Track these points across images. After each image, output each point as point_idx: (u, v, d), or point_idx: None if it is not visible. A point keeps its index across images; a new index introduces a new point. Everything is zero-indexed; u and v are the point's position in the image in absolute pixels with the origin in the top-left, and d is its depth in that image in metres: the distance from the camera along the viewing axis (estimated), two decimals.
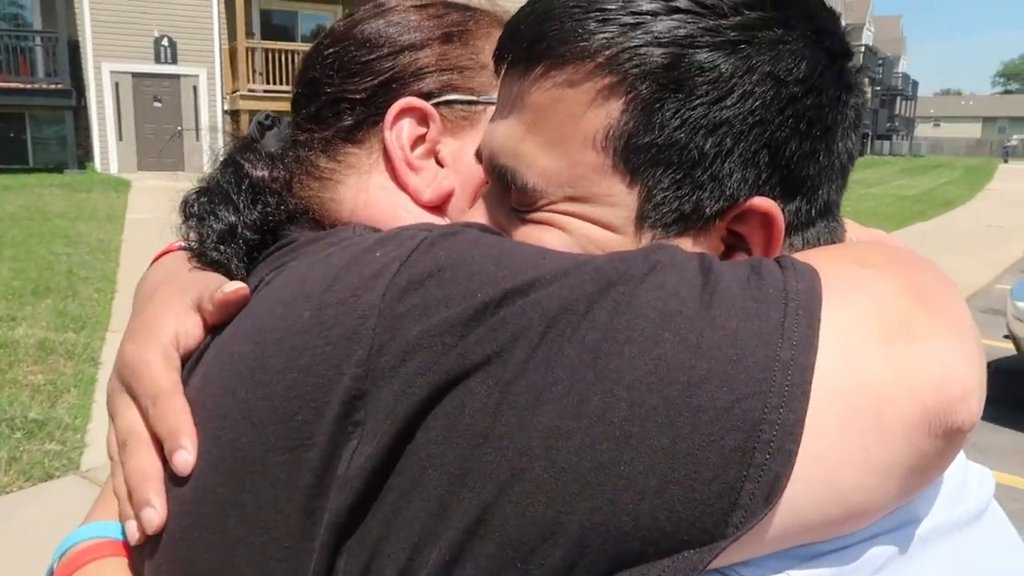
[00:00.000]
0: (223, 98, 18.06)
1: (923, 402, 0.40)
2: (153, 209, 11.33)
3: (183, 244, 0.66)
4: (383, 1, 0.69)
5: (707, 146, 0.47)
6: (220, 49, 17.86)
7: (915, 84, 60.49)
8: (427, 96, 0.64)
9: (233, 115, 17.54)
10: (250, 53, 16.86)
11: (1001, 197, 20.81)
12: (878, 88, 47.11)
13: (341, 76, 0.65)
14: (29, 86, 15.93)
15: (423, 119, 0.64)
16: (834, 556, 0.42)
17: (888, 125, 49.93)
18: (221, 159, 0.68)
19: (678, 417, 0.38)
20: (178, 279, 0.60)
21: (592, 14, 0.47)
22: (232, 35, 17.43)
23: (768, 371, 0.38)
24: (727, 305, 0.40)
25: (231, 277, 0.59)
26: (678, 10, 0.46)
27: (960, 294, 0.47)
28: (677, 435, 0.38)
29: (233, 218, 0.61)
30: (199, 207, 0.64)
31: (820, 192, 0.50)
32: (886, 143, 50.53)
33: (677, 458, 0.38)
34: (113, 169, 17.16)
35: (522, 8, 0.52)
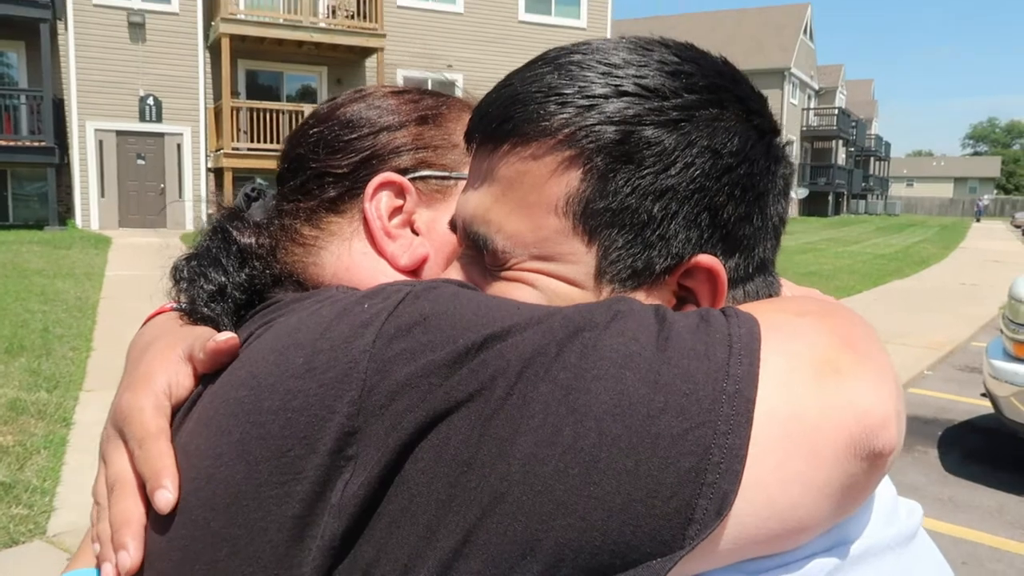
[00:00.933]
0: (207, 156, 18.19)
1: (848, 429, 0.46)
2: (133, 266, 11.28)
3: (174, 306, 0.70)
4: (363, 87, 0.76)
5: (655, 210, 0.53)
6: (205, 108, 18.06)
7: (888, 145, 62.06)
8: (404, 171, 0.71)
9: (217, 173, 17.65)
10: (235, 112, 17.06)
11: (975, 255, 21.17)
12: (852, 149, 48.24)
13: (325, 153, 0.71)
14: (12, 143, 15.98)
15: (400, 192, 0.70)
16: (778, 571, 0.47)
17: (863, 185, 50.99)
18: (209, 227, 0.72)
19: (640, 443, 0.43)
20: (170, 334, 0.64)
21: (552, 98, 0.54)
22: (217, 94, 17.66)
23: (716, 403, 0.44)
24: (680, 348, 0.46)
25: (220, 331, 0.62)
26: (627, 94, 0.53)
27: (879, 339, 0.54)
28: (639, 459, 0.43)
29: (223, 279, 0.66)
30: (189, 271, 0.68)
31: (756, 250, 0.57)
32: (861, 202, 51.56)
33: (640, 479, 0.42)
34: (94, 226, 17.13)
35: (489, 93, 0.58)
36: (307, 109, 17.72)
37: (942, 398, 6.64)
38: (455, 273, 0.61)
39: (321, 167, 0.71)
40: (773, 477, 0.44)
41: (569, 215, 0.53)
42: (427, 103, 0.74)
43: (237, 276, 0.66)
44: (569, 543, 0.42)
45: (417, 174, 0.70)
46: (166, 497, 0.51)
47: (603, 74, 0.54)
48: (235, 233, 0.69)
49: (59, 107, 16.52)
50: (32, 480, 3.90)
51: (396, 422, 0.45)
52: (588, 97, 0.53)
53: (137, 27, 17.19)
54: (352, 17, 18.37)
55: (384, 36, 18.30)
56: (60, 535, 3.38)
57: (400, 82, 20.05)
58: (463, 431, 0.44)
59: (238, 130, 17.12)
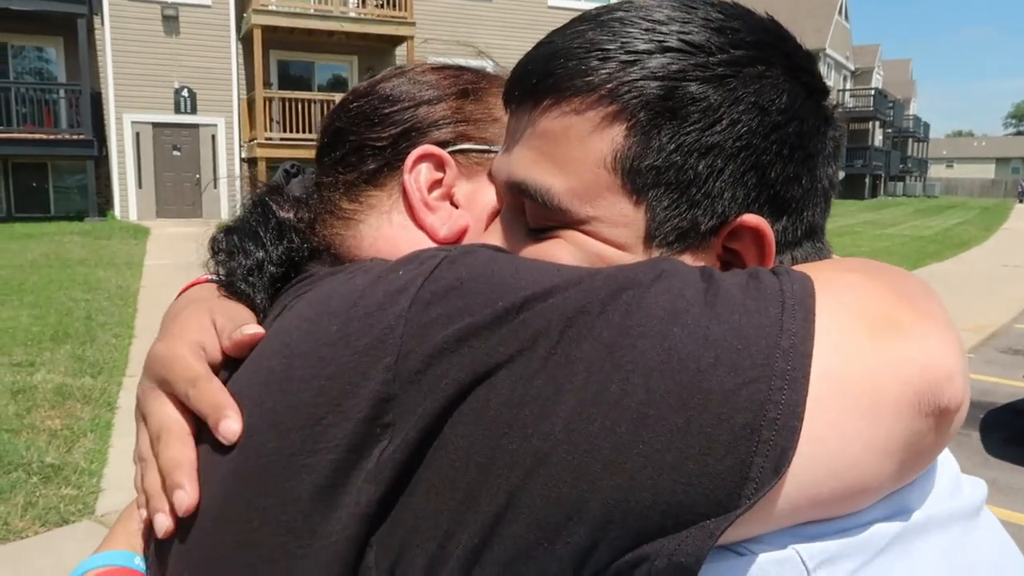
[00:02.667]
0: (240, 146, 18.38)
1: (911, 383, 0.43)
2: (171, 255, 11.47)
3: (210, 277, 0.70)
4: (403, 64, 0.76)
5: (700, 167, 0.52)
6: (238, 99, 18.24)
7: (927, 126, 60.63)
8: (443, 144, 0.70)
9: (250, 162, 17.83)
10: (267, 102, 17.19)
11: (1017, 237, 20.65)
12: (890, 130, 47.25)
13: (365, 126, 0.71)
14: (52, 137, 16.30)
15: (440, 165, 0.69)
16: (838, 536, 0.44)
17: (901, 166, 49.94)
18: (249, 202, 0.72)
19: (691, 399, 0.41)
20: (206, 301, 0.64)
21: (594, 53, 0.53)
22: (250, 85, 17.81)
23: (771, 358, 0.42)
24: (729, 304, 0.44)
25: (255, 308, 0.63)
26: (670, 49, 0.52)
27: (940, 300, 0.52)
28: (691, 416, 0.41)
29: (260, 253, 0.66)
30: (227, 244, 0.68)
31: (805, 214, 0.55)
32: (899, 184, 50.50)
33: (692, 436, 0.41)
34: (132, 216, 17.43)
35: (527, 53, 0.57)
36: (338, 98, 17.67)
37: (984, 381, 6.52)
38: (495, 235, 0.60)
39: (360, 140, 0.71)
40: (832, 434, 0.42)
41: (618, 171, 0.52)
42: (467, 77, 0.74)
43: (275, 250, 0.66)
44: (618, 504, 0.40)
45: (457, 147, 0.70)
46: (231, 427, 0.50)
47: (646, 30, 0.53)
48: (274, 207, 0.69)
49: (97, 100, 16.80)
50: (80, 462, 4.01)
51: (434, 386, 0.44)
52: (631, 52, 0.52)
53: (171, 20, 17.38)
54: (381, 6, 18.39)
55: (414, 24, 18.29)
56: (108, 515, 3.48)
57: None
58: (504, 393, 0.43)
59: (271, 120, 17.26)
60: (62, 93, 16.67)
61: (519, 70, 0.57)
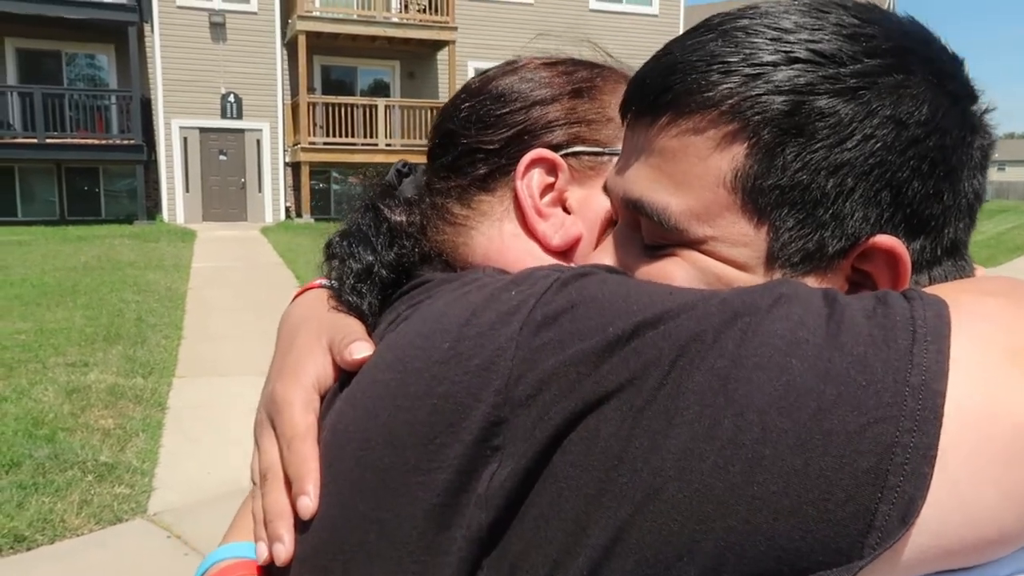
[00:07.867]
0: (285, 150, 18.66)
1: None
2: (217, 259, 11.68)
3: (323, 282, 0.71)
4: (514, 59, 0.73)
5: (828, 186, 0.48)
6: (283, 104, 18.53)
7: None
8: (556, 147, 0.67)
9: (294, 167, 18.10)
10: (311, 107, 17.44)
11: None
12: None
13: (476, 128, 0.69)
14: (104, 142, 16.74)
15: (552, 169, 0.67)
16: None
17: None
18: (361, 204, 0.72)
19: (809, 440, 0.39)
20: (317, 320, 0.65)
21: (715, 66, 0.50)
22: (294, 90, 18.08)
23: (899, 396, 0.39)
24: (854, 333, 0.41)
25: (363, 318, 0.63)
26: (798, 60, 0.49)
27: None
28: (809, 457, 0.38)
29: (371, 258, 0.65)
30: (340, 248, 0.68)
31: (946, 231, 0.51)
32: None
33: (810, 479, 0.38)
34: (180, 220, 17.80)
35: (647, 63, 0.55)
36: (380, 103, 18.07)
37: None
38: (608, 252, 0.59)
39: (472, 143, 0.69)
40: (966, 480, 0.39)
41: (738, 191, 0.50)
42: (581, 75, 0.70)
43: (385, 255, 0.65)
44: (731, 547, 0.39)
45: (570, 150, 0.67)
46: (307, 505, 0.52)
47: (772, 40, 0.49)
48: (386, 211, 0.69)
49: (146, 106, 17.20)
50: (132, 461, 4.09)
51: (544, 413, 0.43)
52: (755, 65, 0.49)
53: (218, 27, 17.74)
54: (424, 11, 18.55)
55: (455, 29, 18.40)
56: (160, 514, 3.53)
57: (471, 75, 20.07)
58: (614, 423, 0.42)
59: (314, 125, 17.50)
60: (113, 99, 17.10)
61: (637, 82, 0.55)
